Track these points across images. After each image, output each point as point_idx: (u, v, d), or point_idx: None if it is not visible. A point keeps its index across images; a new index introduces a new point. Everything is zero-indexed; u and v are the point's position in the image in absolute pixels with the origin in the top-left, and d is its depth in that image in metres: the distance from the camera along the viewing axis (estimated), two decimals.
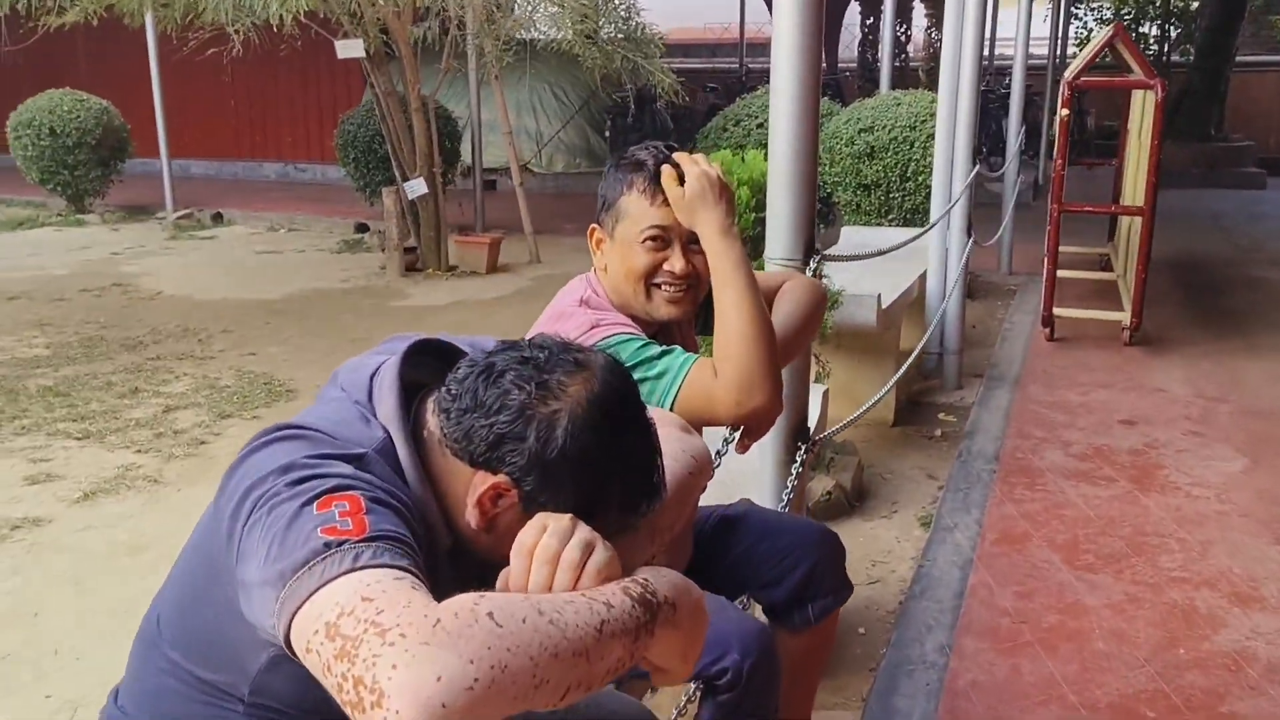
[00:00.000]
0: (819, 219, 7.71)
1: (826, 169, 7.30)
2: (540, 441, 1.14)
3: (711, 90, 13.88)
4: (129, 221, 11.35)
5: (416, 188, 8.13)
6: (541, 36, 6.91)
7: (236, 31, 6.55)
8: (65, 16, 9.00)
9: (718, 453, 1.65)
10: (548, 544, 1.04)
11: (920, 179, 6.73)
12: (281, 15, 5.83)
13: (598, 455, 1.16)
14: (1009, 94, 8.60)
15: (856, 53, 17.73)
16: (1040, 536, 3.66)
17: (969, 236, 5.12)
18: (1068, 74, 5.90)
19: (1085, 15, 17.71)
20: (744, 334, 1.64)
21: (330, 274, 8.65)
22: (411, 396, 1.26)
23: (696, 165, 1.72)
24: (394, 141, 8.29)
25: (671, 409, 1.63)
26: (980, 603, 3.22)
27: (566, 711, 1.53)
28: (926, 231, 4.76)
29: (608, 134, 12.85)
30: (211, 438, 4.79)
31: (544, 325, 1.78)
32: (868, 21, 16.55)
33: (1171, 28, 16.02)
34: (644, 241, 1.75)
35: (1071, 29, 15.76)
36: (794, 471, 2.21)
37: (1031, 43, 8.38)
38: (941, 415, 4.99)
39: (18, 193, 12.28)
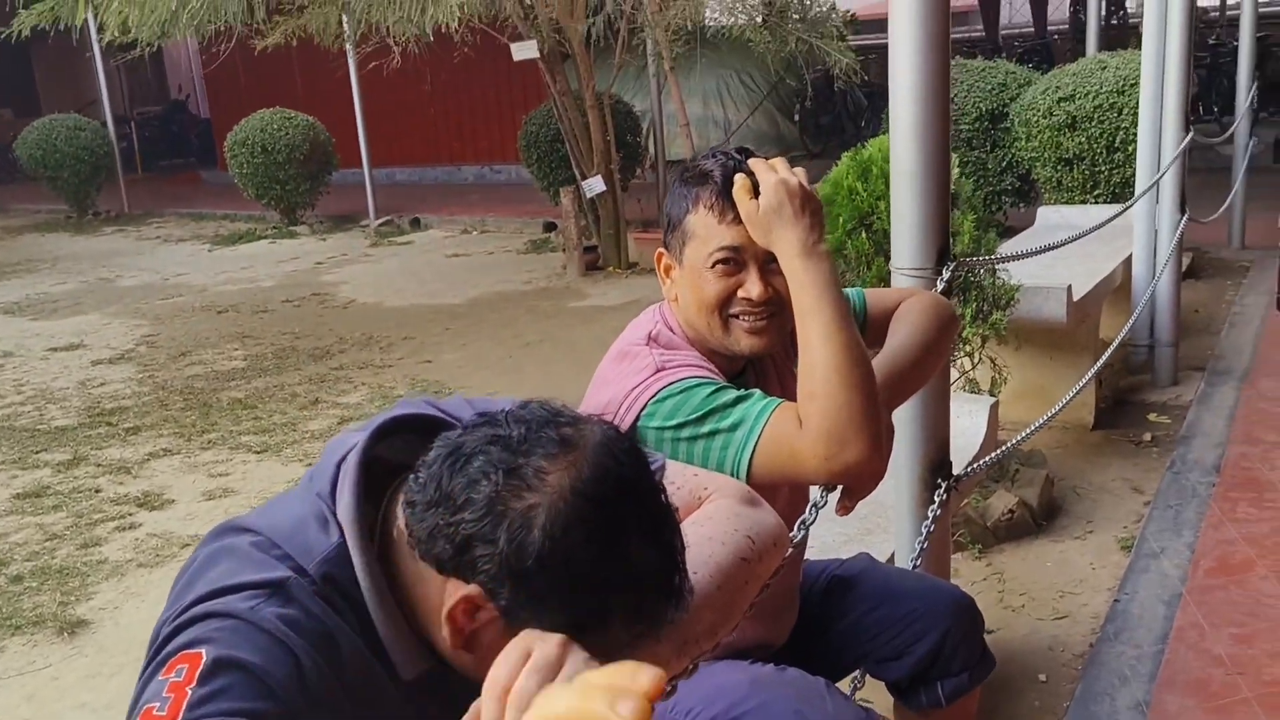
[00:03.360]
0: (1016, 197, 7.06)
1: (1023, 143, 6.72)
2: (513, 545, 0.92)
3: None
4: (336, 231, 11.85)
5: (594, 186, 8.05)
6: (712, 24, 6.65)
7: (399, 42, 6.65)
8: (269, 39, 9.46)
9: (803, 522, 1.37)
10: (524, 687, 0.82)
11: (1130, 150, 6.05)
12: (451, 21, 5.84)
13: (588, 560, 0.93)
14: None
15: (1068, 13, 16.52)
16: (1266, 565, 3.14)
17: (1182, 212, 4.52)
18: None
19: None
20: (831, 373, 1.35)
21: (514, 275, 8.70)
22: (389, 483, 1.07)
23: (774, 173, 1.45)
24: (571, 140, 8.24)
25: (749, 466, 1.37)
26: (1188, 648, 2.76)
27: None
28: (1128, 208, 4.22)
29: (797, 118, 12.44)
30: None
31: (606, 366, 1.56)
32: None
33: None
34: (713, 266, 1.50)
35: None
36: (930, 515, 1.89)
37: None
38: (1152, 416, 4.43)
39: (241, 208, 13.05)
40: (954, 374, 3.45)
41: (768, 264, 1.49)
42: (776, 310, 1.51)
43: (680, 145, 9.59)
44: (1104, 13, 13.37)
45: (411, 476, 1.00)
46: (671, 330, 1.57)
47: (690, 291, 1.53)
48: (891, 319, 1.64)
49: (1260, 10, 7.43)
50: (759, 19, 6.92)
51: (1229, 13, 14.19)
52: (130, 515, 4.24)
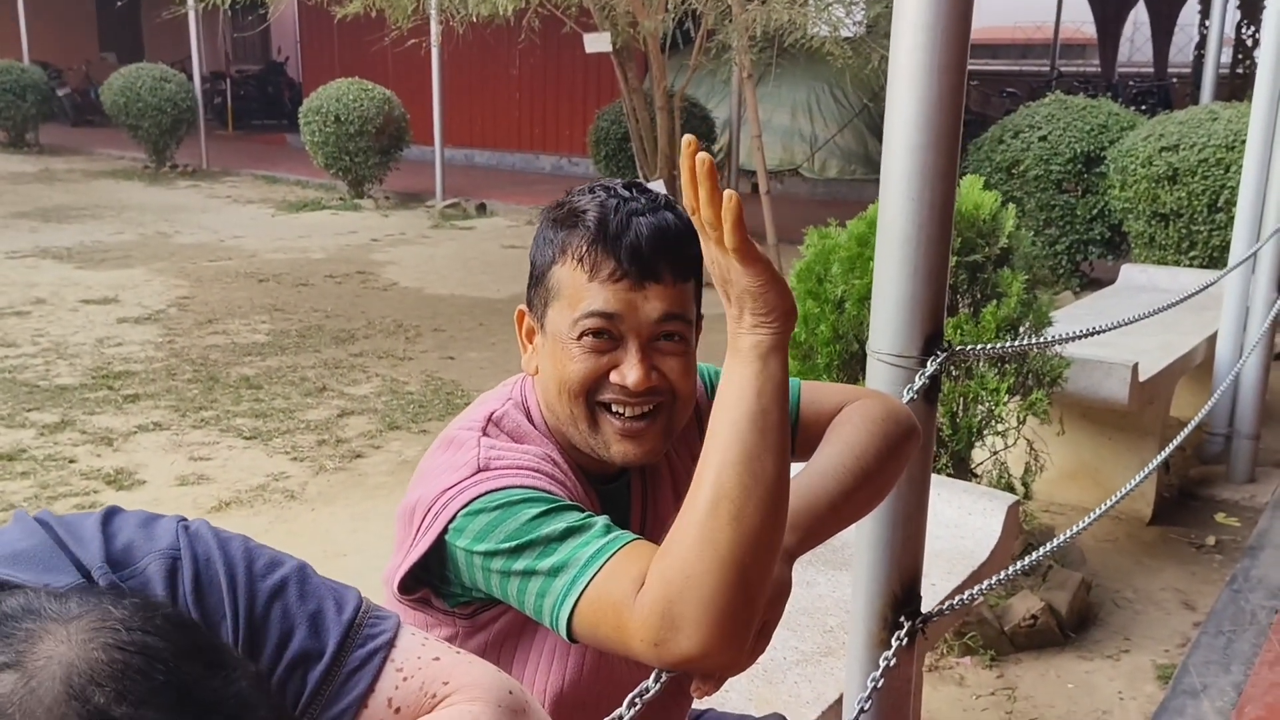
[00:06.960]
0: (1104, 248, 6.43)
1: (1116, 191, 6.18)
2: None
3: (1009, 95, 12.56)
4: (400, 208, 11.67)
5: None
6: (792, 33, 6.22)
7: (445, 23, 6.37)
8: (348, 8, 9.29)
9: (638, 696, 0.98)
10: None
11: (1234, 211, 5.50)
12: (505, 6, 5.52)
13: None
14: None
15: (1193, 55, 15.67)
16: None
17: (1279, 291, 3.99)
18: None
19: None
20: (702, 532, 0.93)
21: None
22: None
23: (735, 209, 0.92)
24: (637, 140, 7.89)
25: (569, 628, 0.99)
26: None
27: None
28: (1216, 281, 3.71)
29: None
30: (370, 451, 4.52)
31: (430, 454, 1.18)
32: (1205, 22, 14.51)
33: None
34: (580, 337, 1.12)
35: None
36: (882, 664, 1.49)
37: None
38: (1219, 516, 3.92)
39: (315, 175, 12.94)
40: (982, 454, 3.01)
41: (655, 341, 1.10)
42: (667, 403, 1.13)
43: (769, 154, 9.19)
44: (1228, 59, 12.60)
45: None
46: (527, 413, 1.19)
47: (551, 366, 1.15)
48: (828, 428, 1.23)
49: None
50: (843, 32, 6.47)
51: None
52: (95, 494, 4.00)
